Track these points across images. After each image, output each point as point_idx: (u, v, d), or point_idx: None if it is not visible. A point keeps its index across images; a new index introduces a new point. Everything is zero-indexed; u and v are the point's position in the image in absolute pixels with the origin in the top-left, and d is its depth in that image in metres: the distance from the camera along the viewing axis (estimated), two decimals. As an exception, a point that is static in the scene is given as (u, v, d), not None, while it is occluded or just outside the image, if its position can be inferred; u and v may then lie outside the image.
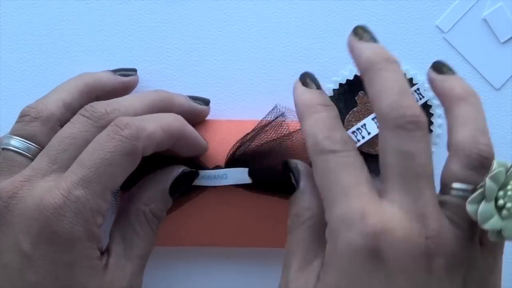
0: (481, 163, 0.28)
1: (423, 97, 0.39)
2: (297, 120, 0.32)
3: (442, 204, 0.28)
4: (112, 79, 0.36)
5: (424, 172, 0.28)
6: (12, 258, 0.29)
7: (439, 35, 0.40)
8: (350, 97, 0.39)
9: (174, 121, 0.32)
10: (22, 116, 0.33)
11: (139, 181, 0.34)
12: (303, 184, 0.32)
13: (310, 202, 0.31)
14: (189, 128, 0.34)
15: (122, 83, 0.37)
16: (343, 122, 0.39)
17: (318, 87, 0.32)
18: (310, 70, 0.39)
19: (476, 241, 0.29)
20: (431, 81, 0.32)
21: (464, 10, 0.40)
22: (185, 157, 0.35)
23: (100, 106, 0.32)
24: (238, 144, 0.35)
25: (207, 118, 0.38)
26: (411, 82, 0.39)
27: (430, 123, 0.40)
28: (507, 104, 0.40)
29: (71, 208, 0.29)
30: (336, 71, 0.40)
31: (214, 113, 0.39)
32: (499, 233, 0.28)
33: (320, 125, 0.30)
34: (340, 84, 0.39)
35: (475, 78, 0.40)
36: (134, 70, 0.38)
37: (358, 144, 0.39)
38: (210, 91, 0.39)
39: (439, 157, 0.40)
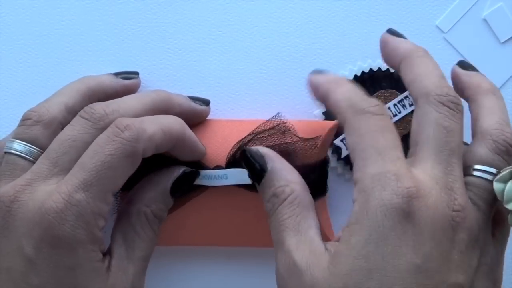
0: (507, 149, 0.30)
1: (423, 97, 0.39)
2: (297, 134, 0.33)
3: (465, 184, 0.29)
4: (114, 82, 0.36)
5: (458, 150, 0.29)
6: (15, 261, 0.29)
7: (439, 35, 0.40)
8: (350, 97, 0.39)
9: (174, 123, 0.32)
10: (24, 119, 0.33)
11: (139, 182, 0.34)
12: (271, 165, 0.32)
13: (286, 180, 0.31)
14: (189, 131, 0.33)
15: (124, 86, 0.37)
16: (343, 122, 0.39)
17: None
18: (310, 70, 0.40)
19: (490, 227, 0.30)
20: (456, 75, 0.34)
21: (464, 10, 0.40)
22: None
23: (100, 108, 0.32)
24: (238, 144, 0.35)
25: (207, 118, 0.38)
26: (411, 82, 0.39)
27: (430, 123, 0.40)
28: (507, 104, 0.40)
29: (73, 211, 0.29)
30: (336, 71, 0.40)
31: (214, 113, 0.39)
32: None
33: (356, 90, 0.31)
34: (340, 84, 0.39)
35: (475, 78, 0.40)
36: (136, 73, 0.38)
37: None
38: (210, 91, 0.39)
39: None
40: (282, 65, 0.40)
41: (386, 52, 0.34)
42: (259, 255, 0.38)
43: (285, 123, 0.34)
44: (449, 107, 0.30)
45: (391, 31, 0.35)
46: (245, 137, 0.35)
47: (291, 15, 0.40)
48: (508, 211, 0.29)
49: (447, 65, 0.40)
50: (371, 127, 0.29)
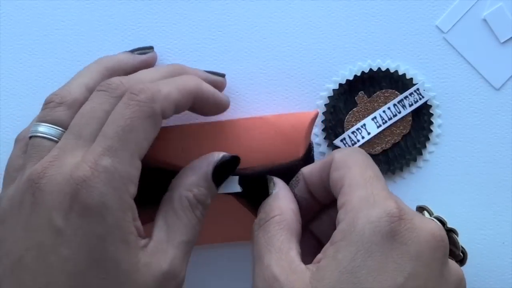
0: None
1: (423, 97, 0.39)
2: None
3: None
4: (131, 59, 0.37)
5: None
6: (45, 235, 0.29)
7: (439, 35, 0.40)
8: (350, 97, 0.39)
9: (189, 81, 0.33)
10: (47, 103, 0.33)
11: (150, 196, 0.33)
12: (277, 190, 0.33)
13: (282, 207, 0.32)
14: (206, 86, 0.34)
15: (142, 62, 0.37)
16: (343, 122, 0.39)
17: None
18: (310, 70, 0.40)
19: None
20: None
21: (464, 10, 0.40)
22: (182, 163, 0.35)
23: (115, 79, 0.32)
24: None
25: (198, 121, 0.38)
26: (411, 82, 0.39)
27: (430, 123, 0.40)
28: (507, 104, 0.40)
29: (100, 178, 0.28)
30: (336, 71, 0.40)
31: (214, 113, 0.39)
32: None
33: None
34: (340, 84, 0.39)
35: (475, 78, 0.40)
36: (151, 48, 0.39)
37: (358, 144, 0.39)
38: (210, 91, 0.39)
39: (439, 157, 0.40)
40: (282, 65, 0.40)
41: None
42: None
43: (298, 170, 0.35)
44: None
45: None
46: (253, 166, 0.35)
47: (291, 15, 0.40)
48: None
49: (447, 65, 0.40)
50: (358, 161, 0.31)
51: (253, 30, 0.40)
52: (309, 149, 0.37)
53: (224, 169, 0.33)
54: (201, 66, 0.39)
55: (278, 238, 0.30)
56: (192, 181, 0.32)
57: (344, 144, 0.39)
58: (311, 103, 0.39)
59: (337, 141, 0.39)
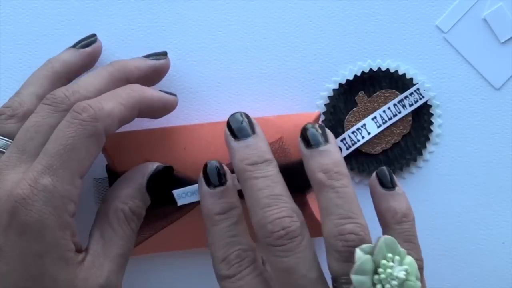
0: (351, 253, 0.29)
1: (423, 97, 0.39)
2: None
3: None
4: (77, 56, 0.36)
5: (308, 282, 0.29)
6: None
7: (439, 35, 0.40)
8: (350, 97, 0.39)
9: (132, 92, 0.33)
10: None
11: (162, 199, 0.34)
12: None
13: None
14: (149, 93, 0.34)
15: (88, 56, 0.37)
16: (343, 122, 0.39)
17: (224, 178, 0.33)
18: (310, 70, 0.40)
19: None
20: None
21: (464, 10, 0.40)
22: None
23: (60, 92, 0.32)
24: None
25: (189, 123, 0.38)
26: (411, 82, 0.39)
27: (430, 123, 0.40)
28: (507, 104, 0.40)
29: (39, 197, 0.29)
30: (336, 71, 0.40)
31: (214, 113, 0.39)
32: None
33: (218, 240, 0.31)
34: (340, 84, 0.39)
35: (475, 78, 0.40)
36: (94, 36, 0.38)
37: (358, 144, 0.39)
38: (210, 91, 0.39)
39: (439, 157, 0.40)
40: (282, 65, 0.40)
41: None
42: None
43: (281, 141, 0.35)
44: (278, 245, 0.29)
45: (230, 129, 0.33)
46: None
47: (291, 15, 0.40)
48: None
49: (447, 65, 0.40)
50: None
51: (253, 30, 0.40)
52: None
53: (159, 180, 0.34)
54: (201, 66, 0.39)
55: None
56: (127, 193, 0.33)
57: (344, 144, 0.39)
58: (311, 103, 0.39)
59: (337, 141, 0.39)
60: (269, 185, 0.30)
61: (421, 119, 0.40)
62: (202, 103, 0.39)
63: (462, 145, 0.40)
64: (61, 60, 0.36)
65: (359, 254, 0.28)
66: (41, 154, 0.30)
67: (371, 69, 0.39)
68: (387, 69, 0.39)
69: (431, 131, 0.40)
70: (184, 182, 0.35)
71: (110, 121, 0.31)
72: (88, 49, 0.37)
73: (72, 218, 0.30)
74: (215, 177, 0.32)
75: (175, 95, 0.36)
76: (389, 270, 0.27)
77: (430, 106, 0.40)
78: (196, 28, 0.40)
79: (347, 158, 0.39)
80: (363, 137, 0.39)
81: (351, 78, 0.39)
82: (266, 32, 0.40)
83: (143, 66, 0.36)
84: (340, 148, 0.39)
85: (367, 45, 0.40)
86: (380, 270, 0.27)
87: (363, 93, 0.39)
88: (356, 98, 0.39)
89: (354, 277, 0.27)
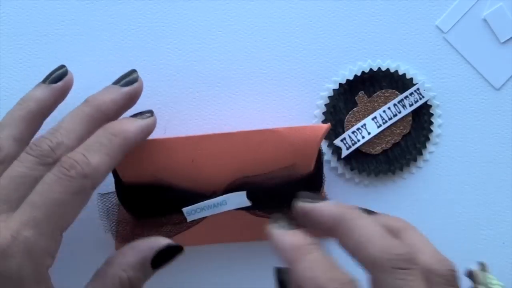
0: (454, 278, 0.28)
1: (423, 97, 0.39)
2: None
3: None
4: (48, 93, 0.36)
5: None
6: None
7: (439, 35, 0.40)
8: (350, 97, 0.39)
9: (113, 138, 0.32)
10: None
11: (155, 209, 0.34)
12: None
13: None
14: (130, 131, 0.33)
15: (59, 91, 0.36)
16: (343, 122, 0.39)
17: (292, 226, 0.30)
18: (310, 70, 0.40)
19: None
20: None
21: (464, 10, 0.40)
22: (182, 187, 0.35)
23: (45, 144, 0.32)
24: (241, 175, 0.35)
25: (195, 134, 0.38)
26: (411, 82, 0.39)
27: (430, 123, 0.40)
28: (507, 104, 0.40)
29: (20, 248, 0.28)
30: (336, 71, 0.40)
31: (214, 113, 0.39)
32: None
33: (320, 265, 0.28)
34: (340, 84, 0.39)
35: (475, 78, 0.40)
36: (63, 67, 0.37)
37: (358, 144, 0.39)
38: (210, 91, 0.39)
39: (439, 157, 0.40)
40: (282, 65, 0.40)
41: (312, 221, 0.30)
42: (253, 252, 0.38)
43: (293, 167, 0.35)
44: (404, 268, 0.27)
45: (303, 197, 0.30)
46: (253, 175, 0.35)
47: (291, 15, 0.40)
48: None
49: (447, 65, 0.40)
50: None
51: (253, 30, 0.40)
52: (320, 162, 0.37)
53: (166, 257, 0.33)
54: (201, 66, 0.39)
55: None
56: (130, 262, 0.32)
57: (344, 144, 0.39)
58: (311, 103, 0.39)
59: (337, 141, 0.39)
60: (376, 224, 0.29)
61: (421, 119, 0.40)
62: (202, 103, 0.39)
63: (462, 145, 0.40)
64: (34, 98, 0.35)
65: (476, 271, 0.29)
66: (25, 205, 0.30)
67: (371, 69, 0.39)
68: (387, 69, 0.39)
69: (431, 131, 0.40)
70: (191, 194, 0.35)
71: (97, 175, 0.31)
72: (59, 84, 0.36)
73: (47, 271, 0.30)
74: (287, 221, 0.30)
75: (151, 112, 0.35)
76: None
77: (430, 106, 0.40)
78: (196, 28, 0.40)
79: (347, 158, 0.39)
80: (363, 137, 0.39)
81: (351, 78, 0.39)
82: (266, 32, 0.40)
83: (118, 98, 0.35)
84: (340, 148, 0.39)
85: (367, 45, 0.40)
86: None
87: (363, 93, 0.39)
88: (356, 98, 0.39)
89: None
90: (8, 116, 0.35)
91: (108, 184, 0.36)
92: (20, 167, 0.31)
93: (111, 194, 0.37)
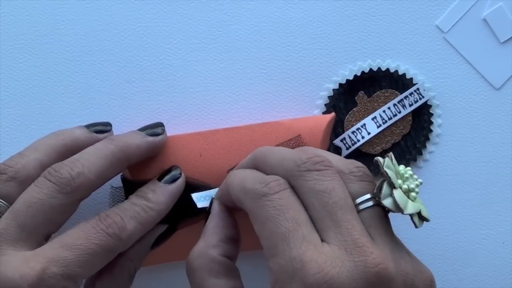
0: (364, 173, 0.30)
1: (423, 97, 0.39)
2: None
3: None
4: (88, 137, 0.36)
5: (345, 203, 0.28)
6: None
7: (439, 35, 0.40)
8: (350, 97, 0.39)
9: (145, 207, 0.33)
10: (0, 174, 0.33)
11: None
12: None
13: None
14: (158, 194, 0.34)
15: (97, 139, 0.36)
16: (343, 122, 0.39)
17: None
18: (310, 70, 0.40)
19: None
20: None
21: (464, 10, 0.40)
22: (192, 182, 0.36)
23: (65, 171, 0.32)
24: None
25: (203, 130, 0.38)
26: (411, 82, 0.39)
27: (430, 123, 0.40)
28: (507, 104, 0.40)
29: (46, 283, 0.29)
30: (336, 71, 0.40)
31: (214, 113, 0.39)
32: (420, 216, 0.29)
33: (248, 175, 0.30)
34: (340, 84, 0.39)
35: (475, 78, 0.40)
36: (109, 125, 0.37)
37: (358, 144, 0.39)
38: (210, 91, 0.39)
39: (439, 157, 0.40)
40: (282, 65, 0.40)
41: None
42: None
43: (299, 138, 0.35)
44: (317, 170, 0.29)
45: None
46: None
47: (291, 15, 0.40)
48: (410, 215, 0.29)
49: (447, 65, 0.40)
50: (270, 212, 0.28)
51: (253, 30, 0.40)
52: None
53: (162, 237, 0.36)
54: (201, 66, 0.39)
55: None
56: (137, 250, 0.34)
57: (344, 144, 0.39)
58: (311, 103, 0.39)
59: (337, 141, 0.39)
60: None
61: (421, 119, 0.40)
62: (202, 103, 0.39)
63: (462, 145, 0.40)
64: (73, 136, 0.35)
65: (380, 158, 0.30)
66: (58, 244, 0.30)
67: (371, 69, 0.39)
68: (387, 69, 0.39)
69: (431, 131, 0.40)
70: (201, 188, 0.35)
71: (129, 242, 0.32)
72: (100, 136, 0.36)
73: None
74: None
75: (162, 127, 0.36)
76: (409, 172, 0.30)
77: (430, 106, 0.40)
78: (196, 28, 0.40)
79: (347, 158, 0.39)
80: (363, 137, 0.39)
81: (351, 78, 0.39)
82: (266, 32, 0.40)
83: (143, 145, 0.35)
84: (340, 148, 0.39)
85: (367, 45, 0.40)
86: (402, 170, 0.30)
87: (363, 93, 0.39)
88: (356, 98, 0.39)
89: (387, 171, 0.29)
90: (42, 141, 0.35)
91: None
92: (39, 193, 0.31)
93: (122, 188, 0.37)
